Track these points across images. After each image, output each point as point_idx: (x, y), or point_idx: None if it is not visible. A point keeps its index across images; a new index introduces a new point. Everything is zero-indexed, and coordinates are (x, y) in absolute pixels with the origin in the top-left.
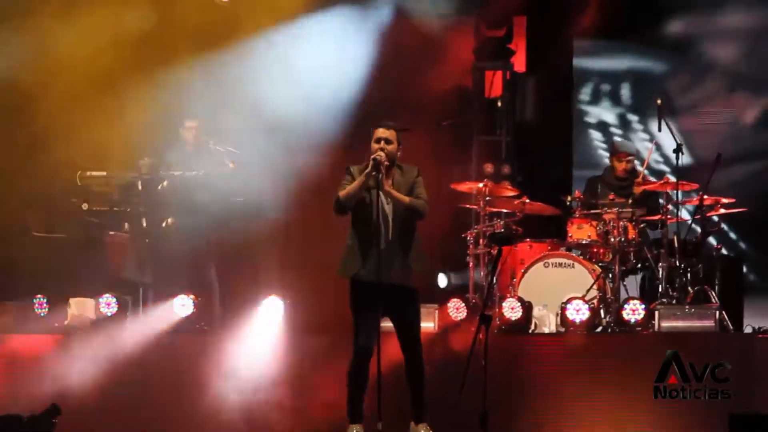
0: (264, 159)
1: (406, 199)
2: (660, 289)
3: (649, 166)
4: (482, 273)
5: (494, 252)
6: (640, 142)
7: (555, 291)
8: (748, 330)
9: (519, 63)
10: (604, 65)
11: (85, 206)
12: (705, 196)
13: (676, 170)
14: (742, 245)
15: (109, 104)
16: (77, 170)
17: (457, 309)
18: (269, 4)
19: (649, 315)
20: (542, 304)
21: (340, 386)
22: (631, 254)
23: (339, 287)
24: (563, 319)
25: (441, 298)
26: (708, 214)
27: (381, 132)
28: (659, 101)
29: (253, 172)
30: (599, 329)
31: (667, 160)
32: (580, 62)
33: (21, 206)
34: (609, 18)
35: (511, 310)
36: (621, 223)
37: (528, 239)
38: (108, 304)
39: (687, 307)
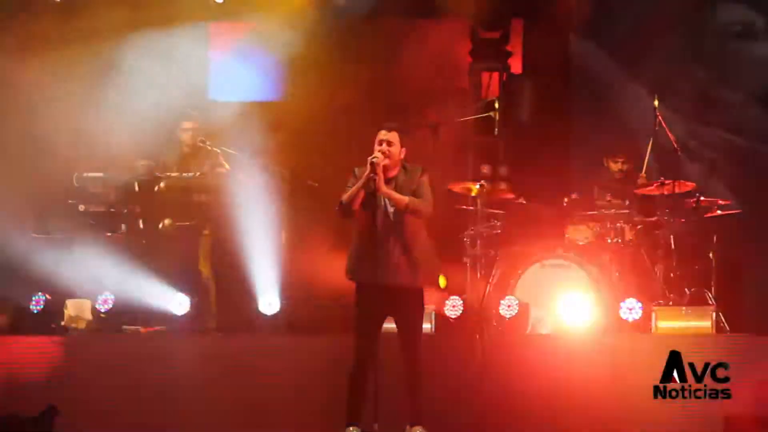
0: (260, 159)
1: (405, 199)
2: (657, 291)
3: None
4: (479, 274)
5: (492, 253)
6: None
7: (552, 292)
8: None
9: (516, 64)
10: None
11: (82, 207)
12: (702, 198)
13: (674, 171)
14: (740, 246)
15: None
16: (74, 172)
17: (453, 308)
18: None
19: (647, 316)
20: (539, 306)
21: (336, 387)
22: (628, 255)
23: (336, 288)
24: (560, 319)
25: (439, 298)
26: (705, 215)
27: (382, 134)
28: (656, 101)
29: (250, 172)
30: (597, 330)
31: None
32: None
33: (18, 207)
34: None
35: (508, 308)
36: (618, 224)
37: (525, 240)
38: (105, 301)
39: (684, 308)
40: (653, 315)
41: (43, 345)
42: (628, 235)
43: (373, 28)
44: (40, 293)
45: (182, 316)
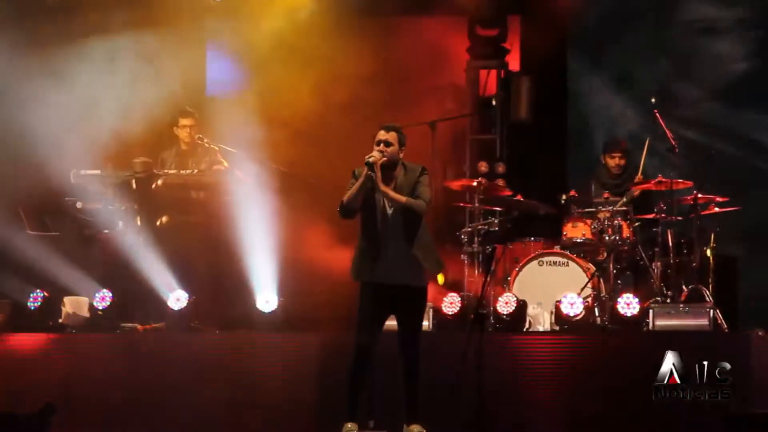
0: (258, 156)
1: (403, 198)
2: (654, 288)
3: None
4: (477, 271)
5: (489, 250)
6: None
7: (549, 289)
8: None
9: (513, 62)
10: None
11: (79, 205)
12: (699, 195)
13: (671, 169)
14: (736, 243)
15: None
16: (71, 169)
17: (451, 304)
18: None
19: (644, 313)
20: (536, 303)
21: (335, 383)
22: (626, 253)
23: (333, 285)
24: (558, 316)
25: (436, 296)
26: (702, 213)
27: (381, 134)
28: (653, 99)
29: (248, 169)
30: (594, 328)
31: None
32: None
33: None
34: None
35: (505, 304)
36: (615, 221)
37: (522, 238)
38: (102, 299)
39: (681, 305)
40: (651, 312)
41: (40, 342)
42: (626, 232)
43: (371, 25)
44: (37, 290)
45: (180, 313)
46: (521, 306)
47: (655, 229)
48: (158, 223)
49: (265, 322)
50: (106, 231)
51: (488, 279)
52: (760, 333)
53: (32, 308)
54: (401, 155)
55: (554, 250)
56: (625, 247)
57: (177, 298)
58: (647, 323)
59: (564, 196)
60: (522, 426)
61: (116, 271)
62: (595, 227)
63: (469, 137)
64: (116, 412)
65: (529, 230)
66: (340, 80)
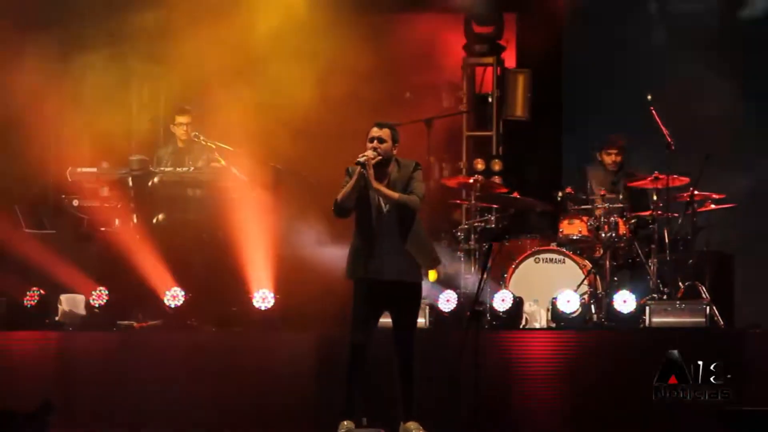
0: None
1: (396, 195)
2: (651, 285)
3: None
4: (473, 268)
5: (486, 247)
6: None
7: (546, 286)
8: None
9: (509, 59)
10: None
11: (75, 202)
12: (695, 192)
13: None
14: (733, 240)
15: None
16: (68, 167)
17: (447, 301)
18: None
19: (640, 310)
20: (533, 300)
21: (330, 381)
22: (622, 250)
23: (330, 283)
24: (554, 313)
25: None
26: (699, 210)
27: (374, 131)
28: (649, 96)
29: (244, 167)
30: (590, 324)
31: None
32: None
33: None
34: None
35: (502, 301)
36: (612, 218)
37: (519, 235)
38: (99, 296)
39: (678, 302)
40: (647, 309)
41: (37, 340)
42: (622, 230)
43: (367, 22)
44: (34, 288)
45: (176, 310)
46: (518, 303)
47: (651, 226)
48: (155, 220)
49: (261, 319)
50: (103, 229)
51: (485, 276)
52: (756, 330)
53: (29, 306)
54: (395, 152)
55: (551, 247)
56: (622, 244)
57: (173, 296)
58: (644, 320)
59: (560, 193)
60: (519, 422)
61: (113, 269)
62: (591, 224)
63: (465, 134)
64: (113, 409)
65: (525, 227)
66: (336, 77)
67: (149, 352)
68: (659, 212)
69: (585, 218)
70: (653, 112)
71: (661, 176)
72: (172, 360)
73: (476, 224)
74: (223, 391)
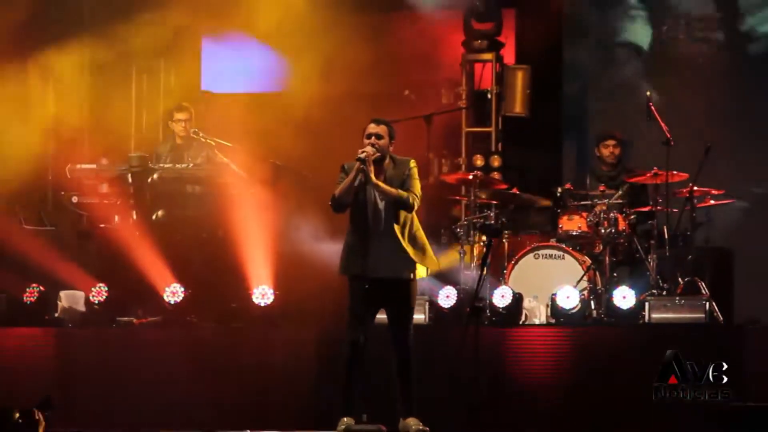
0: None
1: (394, 192)
2: (650, 281)
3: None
4: (473, 264)
5: (485, 244)
6: None
7: (545, 282)
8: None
9: (508, 55)
10: None
11: (74, 199)
12: (695, 188)
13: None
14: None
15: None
16: (67, 163)
17: (447, 297)
18: None
19: (640, 306)
20: (532, 296)
21: (330, 378)
22: (622, 245)
23: (329, 279)
24: (554, 308)
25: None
26: (698, 205)
27: (371, 128)
28: (648, 92)
29: (243, 163)
30: (590, 320)
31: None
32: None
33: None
34: None
35: (501, 297)
36: (611, 214)
37: (518, 231)
38: (98, 293)
39: (677, 298)
40: (647, 305)
41: (36, 337)
42: (621, 225)
43: (366, 20)
44: (33, 285)
45: (176, 306)
46: (517, 299)
47: (650, 222)
48: (154, 217)
49: (260, 316)
50: (102, 225)
51: (484, 272)
52: (755, 326)
53: (28, 303)
54: (391, 148)
55: (550, 243)
56: (621, 240)
57: (173, 292)
58: (643, 316)
59: (559, 189)
60: (518, 418)
61: (112, 266)
62: (590, 220)
63: (464, 131)
64: (112, 406)
65: (524, 223)
66: (335, 74)
67: (149, 348)
68: (659, 207)
69: (584, 214)
70: (652, 108)
71: (660, 172)
72: (171, 356)
73: (475, 220)
74: (222, 388)
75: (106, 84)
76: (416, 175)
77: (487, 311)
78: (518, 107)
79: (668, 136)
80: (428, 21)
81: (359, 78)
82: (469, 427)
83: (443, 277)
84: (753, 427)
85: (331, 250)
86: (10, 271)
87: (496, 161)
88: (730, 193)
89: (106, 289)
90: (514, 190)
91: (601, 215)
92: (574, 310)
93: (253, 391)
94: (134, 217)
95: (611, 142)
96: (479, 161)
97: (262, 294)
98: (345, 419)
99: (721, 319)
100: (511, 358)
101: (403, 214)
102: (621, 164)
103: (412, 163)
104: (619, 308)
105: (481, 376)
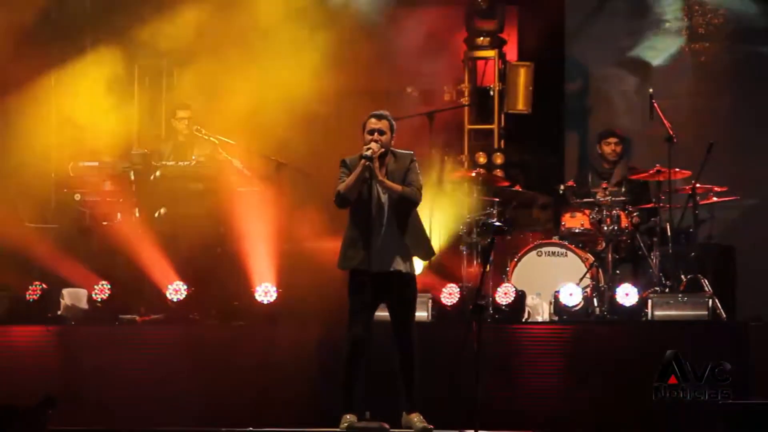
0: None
1: (399, 187)
2: (653, 278)
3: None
4: (475, 262)
5: (488, 241)
6: None
7: (548, 280)
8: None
9: (511, 52)
10: None
11: (77, 197)
12: (698, 185)
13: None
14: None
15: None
16: (70, 161)
17: (450, 295)
18: None
19: (642, 303)
20: (535, 293)
21: (332, 375)
22: (624, 243)
23: (332, 275)
24: (556, 306)
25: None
26: (701, 203)
27: (373, 123)
28: (651, 90)
29: (245, 160)
30: (592, 318)
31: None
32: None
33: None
34: None
35: (504, 295)
36: (614, 211)
37: (521, 228)
38: (101, 290)
39: (680, 295)
40: (649, 302)
41: (39, 334)
42: (624, 222)
43: (368, 16)
44: (36, 282)
45: (178, 304)
46: (520, 296)
47: (653, 219)
48: (156, 214)
49: (263, 313)
50: (105, 223)
51: (487, 269)
52: (758, 323)
53: (31, 300)
54: (392, 143)
55: (553, 241)
56: (624, 237)
57: (175, 290)
58: (646, 313)
59: (562, 187)
60: (520, 416)
61: (115, 263)
62: (593, 217)
63: (466, 128)
64: (115, 403)
65: (527, 220)
66: (337, 70)
67: (151, 346)
68: (661, 204)
69: (587, 211)
70: (655, 105)
71: (663, 169)
72: (174, 354)
73: (478, 218)
74: (225, 385)
75: (109, 80)
76: (417, 169)
77: (490, 309)
78: (521, 104)
79: (671, 133)
80: (431, 18)
81: (362, 75)
82: (472, 424)
83: (445, 274)
84: (756, 423)
85: (335, 247)
86: (13, 268)
87: (498, 158)
88: (732, 190)
89: (109, 286)
90: (517, 188)
91: (604, 212)
92: (576, 308)
93: (256, 389)
94: (137, 214)
95: (613, 140)
96: (482, 158)
97: (265, 291)
98: (347, 416)
99: (724, 316)
100: (514, 356)
101: (406, 208)
102: (623, 160)
103: (413, 157)
104: (621, 305)
105: (484, 373)
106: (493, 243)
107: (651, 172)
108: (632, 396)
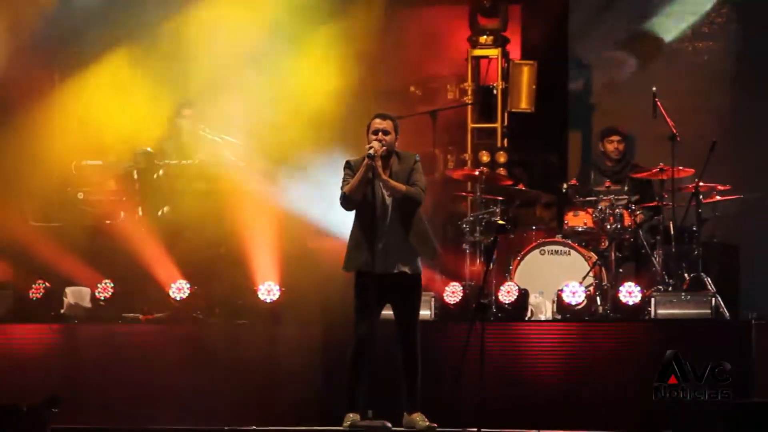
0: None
1: (403, 187)
2: (656, 277)
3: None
4: (479, 260)
5: (491, 240)
6: None
7: (551, 278)
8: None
9: (514, 51)
10: None
11: (81, 195)
12: (701, 183)
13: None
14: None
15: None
16: (73, 160)
17: (453, 294)
18: None
19: (645, 302)
20: (538, 292)
21: (336, 374)
22: (627, 241)
23: (335, 275)
24: (559, 304)
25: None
26: (704, 201)
27: (377, 123)
28: (654, 88)
29: (249, 159)
30: (595, 316)
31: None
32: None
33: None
34: None
35: (507, 293)
36: (617, 210)
37: (524, 227)
38: (104, 289)
39: (683, 294)
40: (652, 301)
41: (42, 333)
42: (627, 221)
43: (371, 15)
44: (39, 281)
45: (181, 303)
46: (523, 295)
47: (656, 218)
48: (160, 213)
49: (266, 312)
50: (108, 221)
51: (490, 268)
52: (761, 322)
53: (34, 299)
54: (396, 143)
55: (556, 239)
56: (627, 236)
57: (179, 289)
58: (649, 312)
59: (565, 185)
60: (524, 414)
61: (118, 262)
62: (596, 216)
63: (470, 126)
64: (118, 402)
65: (530, 219)
66: (340, 69)
67: (154, 344)
68: (664, 203)
69: (590, 210)
70: (658, 103)
71: (666, 167)
72: (177, 352)
73: (481, 216)
74: (228, 384)
75: (113, 80)
76: (421, 170)
77: (493, 307)
78: (524, 103)
79: (674, 131)
80: (434, 16)
81: (365, 74)
82: (475, 423)
83: (449, 273)
84: (758, 422)
85: (338, 246)
86: (17, 266)
87: (501, 157)
88: (736, 188)
89: (112, 285)
90: (520, 186)
91: (607, 211)
92: (579, 306)
93: (259, 387)
94: (140, 213)
95: (615, 138)
96: (485, 157)
97: (268, 290)
98: (350, 415)
99: (727, 314)
100: (517, 354)
101: (410, 208)
102: (625, 159)
103: (417, 158)
104: (624, 304)
105: (487, 372)
106: (496, 241)
107: (654, 170)
108: (635, 394)
